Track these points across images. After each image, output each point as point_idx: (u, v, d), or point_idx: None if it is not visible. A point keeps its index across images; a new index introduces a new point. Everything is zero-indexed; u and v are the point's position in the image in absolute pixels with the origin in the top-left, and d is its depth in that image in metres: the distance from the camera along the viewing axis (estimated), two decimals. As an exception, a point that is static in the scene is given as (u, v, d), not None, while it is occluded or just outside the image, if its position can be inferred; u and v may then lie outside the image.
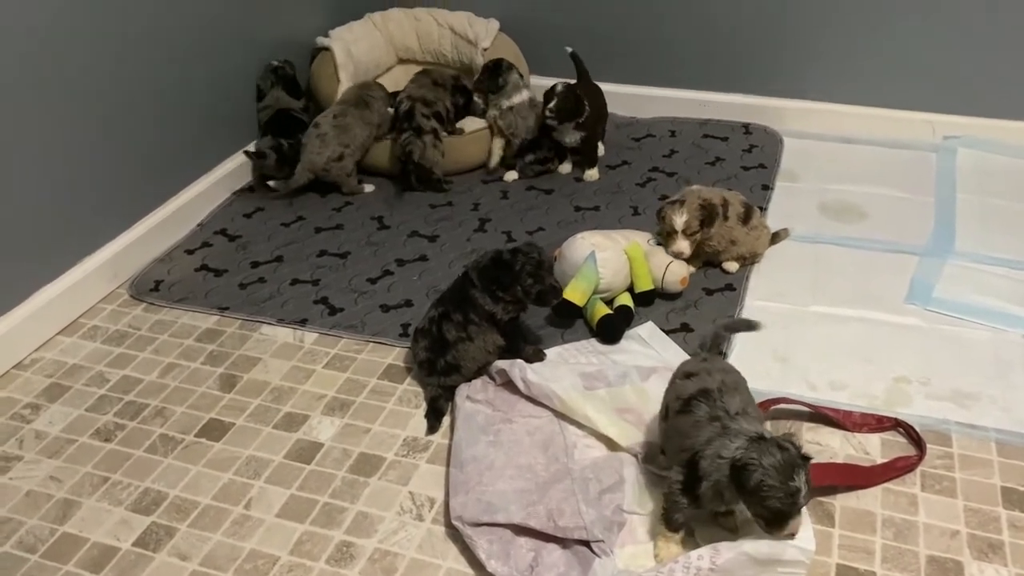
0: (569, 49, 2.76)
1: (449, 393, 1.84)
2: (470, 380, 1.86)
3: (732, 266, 2.22)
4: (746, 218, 2.18)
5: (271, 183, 2.66)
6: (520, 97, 2.70)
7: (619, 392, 1.79)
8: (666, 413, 1.53)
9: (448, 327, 1.82)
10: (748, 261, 2.23)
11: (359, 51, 2.92)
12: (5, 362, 2.00)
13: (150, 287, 2.27)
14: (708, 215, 2.12)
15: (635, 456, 1.65)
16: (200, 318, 2.16)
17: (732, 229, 2.17)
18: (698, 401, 1.45)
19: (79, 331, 2.12)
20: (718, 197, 2.18)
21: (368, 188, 2.68)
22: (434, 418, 1.80)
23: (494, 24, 2.95)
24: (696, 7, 2.86)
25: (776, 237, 2.29)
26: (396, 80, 3.02)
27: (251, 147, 2.67)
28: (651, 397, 1.75)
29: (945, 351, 1.94)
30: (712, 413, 1.42)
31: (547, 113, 2.55)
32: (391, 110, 2.71)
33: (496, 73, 2.71)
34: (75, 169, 2.14)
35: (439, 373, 1.83)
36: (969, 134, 2.76)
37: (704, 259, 2.22)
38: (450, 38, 3.00)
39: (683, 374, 1.54)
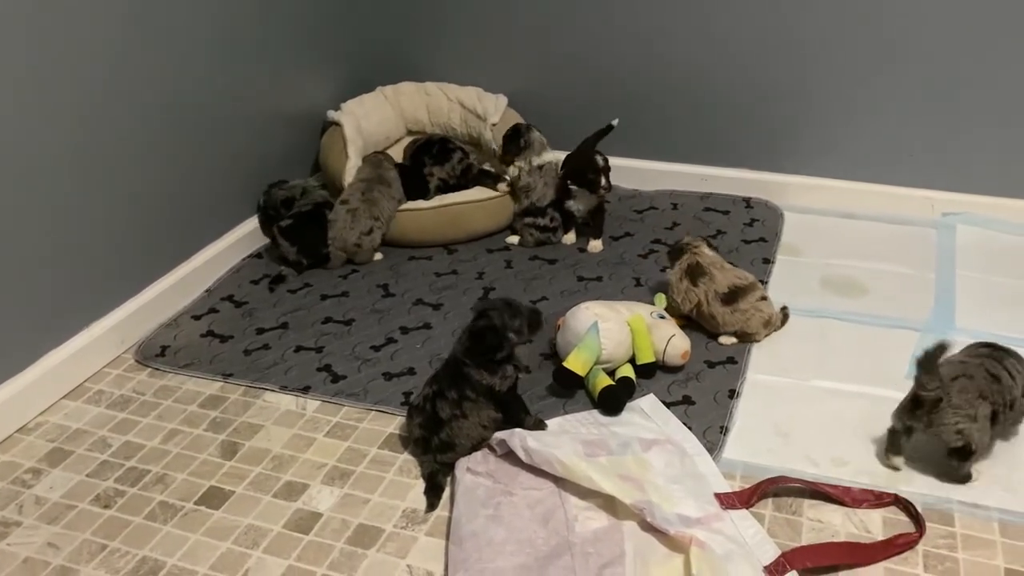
0: (615, 122, 2.79)
1: (447, 468, 1.83)
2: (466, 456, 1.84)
3: (728, 340, 2.23)
4: (728, 300, 2.20)
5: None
6: (548, 157, 2.75)
7: (620, 461, 1.78)
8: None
9: (442, 404, 1.81)
10: (742, 339, 2.23)
11: (369, 124, 2.99)
12: (9, 426, 2.01)
13: (156, 352, 2.29)
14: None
15: (641, 510, 1.62)
16: (204, 384, 2.17)
17: (710, 306, 2.21)
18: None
19: (84, 395, 2.14)
20: (710, 267, 2.25)
21: (377, 256, 2.72)
22: (433, 495, 1.78)
23: (503, 100, 3.03)
24: (698, 86, 2.93)
25: (775, 319, 2.26)
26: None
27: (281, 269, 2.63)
28: (652, 467, 1.75)
29: (947, 428, 1.93)
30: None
31: (602, 191, 2.62)
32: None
33: (516, 136, 2.77)
34: (85, 235, 2.18)
35: (434, 451, 1.82)
36: (968, 211, 2.80)
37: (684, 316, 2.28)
38: (459, 112, 3.07)
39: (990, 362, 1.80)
